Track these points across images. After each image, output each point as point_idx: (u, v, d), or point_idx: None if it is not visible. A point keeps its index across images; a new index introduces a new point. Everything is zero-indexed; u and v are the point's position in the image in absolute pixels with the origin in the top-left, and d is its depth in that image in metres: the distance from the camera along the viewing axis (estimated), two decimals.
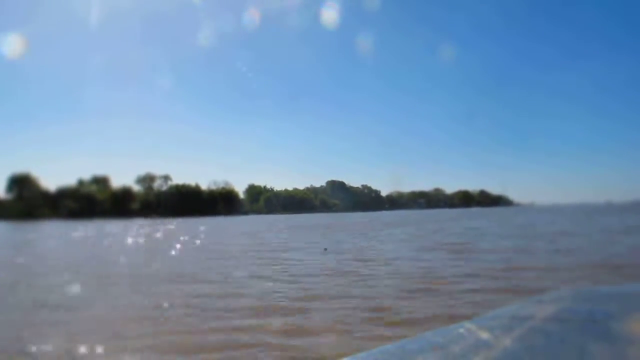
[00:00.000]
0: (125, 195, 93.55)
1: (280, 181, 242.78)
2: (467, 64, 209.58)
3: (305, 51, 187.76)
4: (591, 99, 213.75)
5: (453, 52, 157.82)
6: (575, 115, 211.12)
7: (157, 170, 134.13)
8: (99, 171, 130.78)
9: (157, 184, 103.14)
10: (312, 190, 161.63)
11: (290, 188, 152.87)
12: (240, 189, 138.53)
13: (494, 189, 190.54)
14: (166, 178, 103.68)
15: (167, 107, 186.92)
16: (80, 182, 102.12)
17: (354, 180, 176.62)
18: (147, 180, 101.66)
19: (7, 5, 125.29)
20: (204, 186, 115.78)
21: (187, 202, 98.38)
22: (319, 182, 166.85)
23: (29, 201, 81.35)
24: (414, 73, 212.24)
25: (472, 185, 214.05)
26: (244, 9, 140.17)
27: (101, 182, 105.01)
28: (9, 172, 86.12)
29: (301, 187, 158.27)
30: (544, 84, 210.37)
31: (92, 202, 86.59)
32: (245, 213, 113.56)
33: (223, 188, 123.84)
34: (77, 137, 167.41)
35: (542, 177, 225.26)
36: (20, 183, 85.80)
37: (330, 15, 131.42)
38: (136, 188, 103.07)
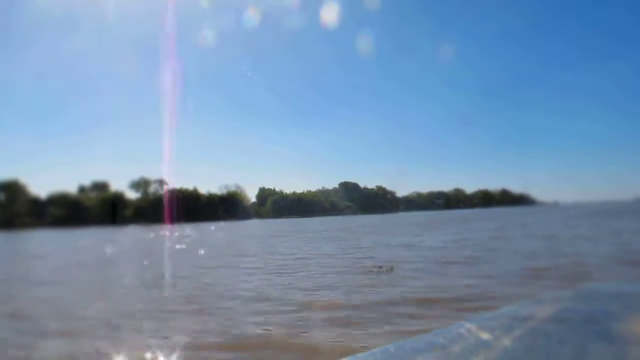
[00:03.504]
0: (116, 201, 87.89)
1: (294, 183, 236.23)
2: (485, 65, 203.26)
3: (311, 50, 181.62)
4: (614, 99, 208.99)
5: (468, 51, 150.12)
6: (599, 115, 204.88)
7: (167, 175, 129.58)
8: (107, 177, 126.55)
9: (152, 189, 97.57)
10: (324, 193, 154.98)
11: (303, 191, 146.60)
12: (253, 192, 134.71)
13: (516, 189, 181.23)
14: (161, 182, 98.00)
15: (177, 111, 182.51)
16: (81, 189, 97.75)
17: (369, 182, 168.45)
18: (141, 185, 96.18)
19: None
20: (215, 190, 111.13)
21: (184, 207, 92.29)
22: (332, 184, 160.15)
23: (12, 208, 76.36)
24: (426, 71, 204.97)
25: (494, 185, 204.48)
26: (247, 9, 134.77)
27: (101, 188, 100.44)
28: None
29: (314, 189, 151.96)
30: (566, 84, 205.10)
31: (80, 208, 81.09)
32: (248, 217, 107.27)
33: (232, 192, 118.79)
34: (82, 143, 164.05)
35: (566, 176, 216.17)
36: (7, 190, 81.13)
37: (335, 13, 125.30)
38: (132, 194, 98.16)
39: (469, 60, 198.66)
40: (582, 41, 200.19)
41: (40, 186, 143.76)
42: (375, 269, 9.38)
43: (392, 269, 9.29)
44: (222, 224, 68.60)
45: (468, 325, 1.09)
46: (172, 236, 34.80)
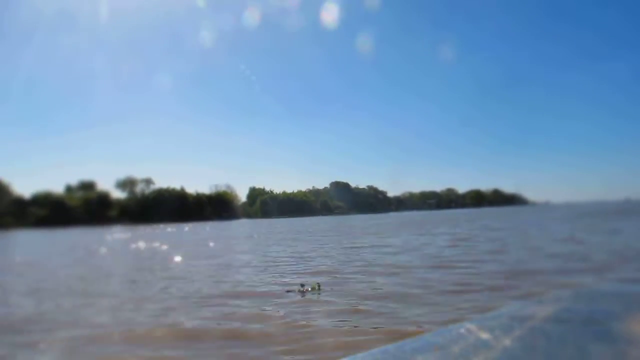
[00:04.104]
0: (101, 200, 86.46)
1: (285, 183, 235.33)
2: (478, 65, 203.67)
3: (307, 51, 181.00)
4: (607, 100, 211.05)
5: (462, 52, 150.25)
6: (592, 116, 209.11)
7: (157, 174, 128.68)
8: (97, 178, 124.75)
9: (138, 188, 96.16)
10: (315, 192, 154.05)
11: (294, 190, 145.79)
12: (244, 192, 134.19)
13: (508, 189, 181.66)
14: (148, 181, 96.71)
15: (168, 110, 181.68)
16: (68, 188, 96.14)
17: (361, 182, 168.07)
18: (127, 184, 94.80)
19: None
20: (205, 190, 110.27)
21: (171, 206, 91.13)
22: (324, 183, 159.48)
23: None
24: (421, 72, 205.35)
25: (487, 185, 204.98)
26: (244, 9, 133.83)
27: (88, 187, 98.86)
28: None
29: (304, 189, 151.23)
30: (559, 85, 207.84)
31: (64, 208, 79.63)
32: (236, 217, 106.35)
33: (222, 192, 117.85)
34: (73, 144, 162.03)
35: (557, 176, 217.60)
36: None
37: (331, 14, 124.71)
38: (118, 193, 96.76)
39: (464, 61, 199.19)
40: (575, 42, 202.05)
41: (29, 187, 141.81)
42: (297, 289, 7.44)
43: (318, 287, 7.44)
44: (205, 224, 67.84)
45: (468, 325, 1.08)
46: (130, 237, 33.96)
